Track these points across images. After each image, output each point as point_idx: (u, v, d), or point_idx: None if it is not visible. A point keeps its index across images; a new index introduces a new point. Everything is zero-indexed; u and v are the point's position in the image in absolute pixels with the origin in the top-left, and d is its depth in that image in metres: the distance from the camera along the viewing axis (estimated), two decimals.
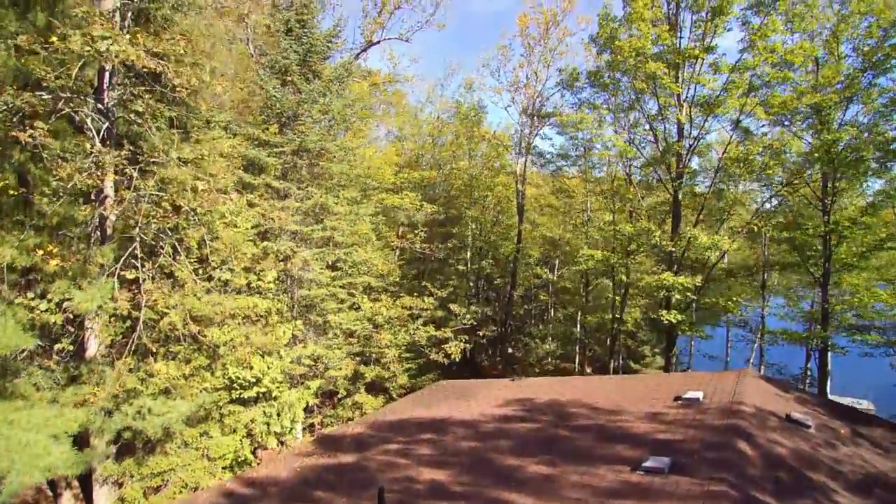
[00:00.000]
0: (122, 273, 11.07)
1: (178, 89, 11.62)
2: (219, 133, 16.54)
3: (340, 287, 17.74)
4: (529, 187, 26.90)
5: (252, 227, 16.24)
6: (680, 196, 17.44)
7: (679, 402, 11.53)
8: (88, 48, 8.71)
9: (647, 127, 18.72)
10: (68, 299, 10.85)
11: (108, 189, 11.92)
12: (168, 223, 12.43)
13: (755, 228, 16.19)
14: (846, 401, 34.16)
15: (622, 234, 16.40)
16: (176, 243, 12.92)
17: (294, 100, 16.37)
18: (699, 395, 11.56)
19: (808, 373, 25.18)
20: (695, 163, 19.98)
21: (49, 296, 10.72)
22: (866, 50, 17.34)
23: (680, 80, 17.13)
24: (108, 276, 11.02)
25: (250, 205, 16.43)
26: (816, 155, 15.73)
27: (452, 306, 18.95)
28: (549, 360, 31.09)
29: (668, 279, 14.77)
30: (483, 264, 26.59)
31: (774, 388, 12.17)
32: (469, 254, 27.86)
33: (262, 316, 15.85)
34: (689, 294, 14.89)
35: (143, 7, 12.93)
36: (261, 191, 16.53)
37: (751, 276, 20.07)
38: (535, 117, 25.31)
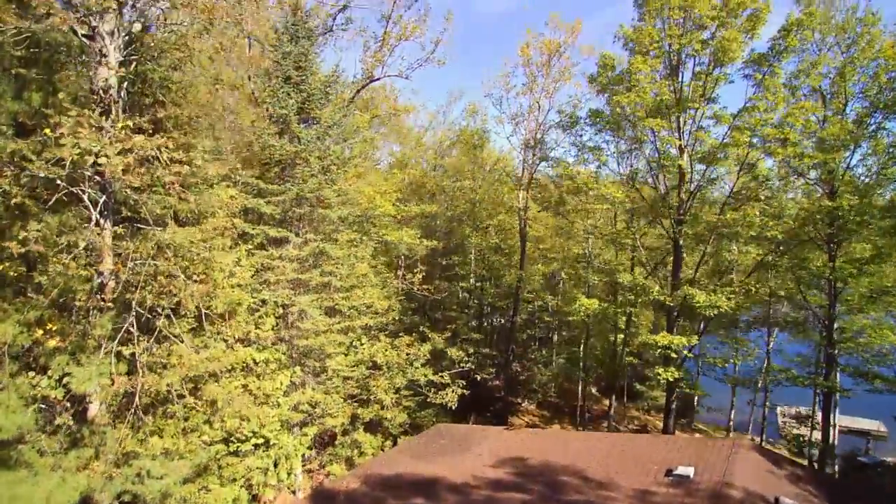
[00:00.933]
0: (120, 349, 11.43)
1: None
2: (217, 186, 16.91)
3: (339, 331, 18.03)
4: (533, 224, 26.82)
5: (251, 277, 16.57)
6: (681, 242, 17.43)
7: (670, 478, 11.65)
8: (78, 153, 9.02)
9: (648, 169, 18.67)
10: (68, 374, 11.26)
11: (107, 259, 12.27)
12: (166, 289, 12.77)
13: (753, 290, 16.14)
14: (858, 423, 33.77)
15: (621, 285, 16.44)
16: (174, 307, 13.26)
17: (292, 149, 16.62)
18: (690, 471, 11.68)
19: (818, 401, 24.94)
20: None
21: (49, 372, 11.12)
22: (874, 92, 17.14)
23: (680, 128, 17.06)
24: (105, 352, 11.38)
25: (249, 253, 16.76)
26: (818, 216, 15.64)
27: (450, 350, 19.16)
28: (552, 385, 31.26)
29: (663, 340, 14.78)
30: (485, 292, 26.76)
31: (768, 462, 12.24)
32: (471, 281, 28.05)
33: (259, 363, 16.23)
34: (687, 353, 14.90)
35: (140, 70, 13.26)
36: (259, 238, 16.84)
37: (751, 327, 20.03)
38: (537, 149, 25.34)
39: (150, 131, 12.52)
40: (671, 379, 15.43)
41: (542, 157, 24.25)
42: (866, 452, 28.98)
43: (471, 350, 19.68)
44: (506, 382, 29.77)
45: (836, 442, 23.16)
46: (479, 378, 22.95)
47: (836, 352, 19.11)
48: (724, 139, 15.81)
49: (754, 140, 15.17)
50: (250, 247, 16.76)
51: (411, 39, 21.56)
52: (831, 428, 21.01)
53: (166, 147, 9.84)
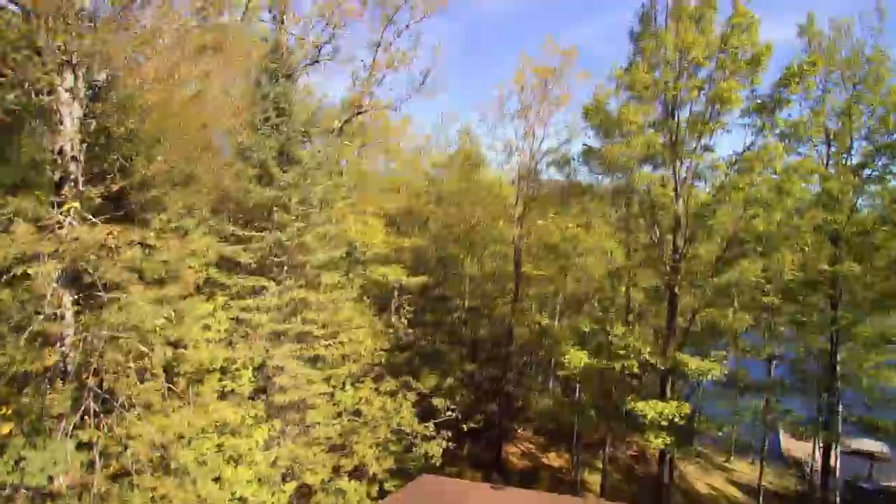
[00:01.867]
0: (77, 432, 10.94)
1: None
2: (193, 232, 16.40)
3: (321, 380, 17.53)
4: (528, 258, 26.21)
5: (224, 330, 16.09)
6: (677, 289, 16.86)
7: None
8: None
9: (642, 214, 18.03)
10: (23, 459, 10.79)
11: (66, 331, 11.78)
12: (130, 358, 12.29)
13: (749, 351, 15.57)
14: (861, 443, 33.06)
15: (613, 335, 15.89)
16: (140, 374, 12.76)
17: (270, 195, 16.09)
18: None
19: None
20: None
21: (5, 457, 10.67)
22: (881, 135, 16.51)
23: (676, 172, 16.45)
24: (63, 433, 10.90)
25: (224, 305, 16.26)
26: (821, 279, 15.05)
27: (435, 401, 18.67)
28: (549, 411, 30.73)
29: (652, 410, 14.14)
30: (479, 324, 26.26)
31: None
32: (464, 311, 27.53)
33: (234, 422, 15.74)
34: (677, 420, 14.39)
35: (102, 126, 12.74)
36: (236, 288, 16.33)
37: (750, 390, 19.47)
38: (531, 179, 24.73)
39: (113, 196, 12.06)
40: (662, 446, 14.87)
41: (536, 189, 23.70)
42: (869, 477, 28.36)
43: (460, 394, 19.15)
44: (500, 412, 29.28)
45: (838, 464, 22.55)
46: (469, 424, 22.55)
47: (837, 400, 18.54)
48: (716, 197, 15.17)
49: (751, 190, 14.58)
50: (226, 298, 16.25)
51: (400, 69, 21.00)
52: (833, 458, 20.32)
53: (115, 235, 9.25)
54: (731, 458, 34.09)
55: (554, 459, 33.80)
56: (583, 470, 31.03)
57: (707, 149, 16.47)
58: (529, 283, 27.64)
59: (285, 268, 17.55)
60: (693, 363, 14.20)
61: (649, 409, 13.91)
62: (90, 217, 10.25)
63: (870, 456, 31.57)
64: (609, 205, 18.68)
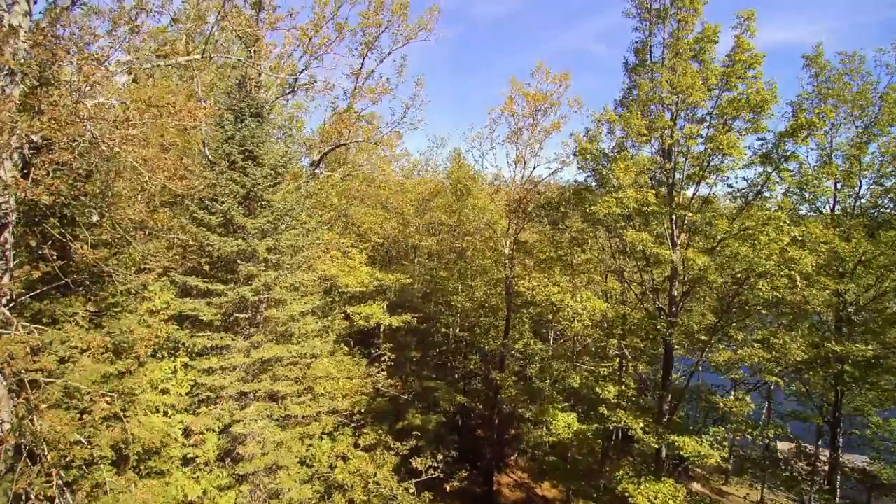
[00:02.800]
0: None
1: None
2: (153, 287, 15.39)
3: (293, 438, 16.54)
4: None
5: (186, 394, 15.12)
6: (672, 342, 15.80)
7: None
8: None
9: (637, 267, 16.90)
10: None
11: (3, 412, 10.80)
12: (72, 441, 11.31)
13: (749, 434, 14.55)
14: (859, 459, 31.99)
15: (604, 396, 14.85)
16: (86, 457, 11.78)
17: (233, 248, 15.04)
18: None
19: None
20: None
21: None
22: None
23: (673, 219, 15.34)
24: None
25: (184, 366, 15.28)
26: (828, 358, 13.99)
27: (415, 461, 17.64)
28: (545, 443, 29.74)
29: (642, 498, 12.96)
30: (469, 358, 25.27)
31: None
32: (454, 337, 26.49)
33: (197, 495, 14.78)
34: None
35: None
36: (199, 346, 15.30)
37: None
38: (520, 212, 23.63)
39: (58, 267, 11.05)
40: None
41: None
42: (868, 501, 27.56)
43: (441, 450, 18.14)
44: (493, 443, 28.33)
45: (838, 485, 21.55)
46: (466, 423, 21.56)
47: (840, 456, 17.55)
48: (715, 261, 14.03)
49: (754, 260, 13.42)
50: (186, 360, 15.25)
51: (383, 98, 19.90)
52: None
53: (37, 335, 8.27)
54: (730, 479, 33.36)
55: (548, 490, 32.87)
56: (576, 501, 30.10)
57: (706, 202, 15.36)
58: (522, 311, 26.67)
59: (254, 323, 16.55)
60: (689, 444, 13.09)
61: (640, 496, 12.78)
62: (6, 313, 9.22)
63: (872, 478, 30.65)
64: (601, 251, 17.55)
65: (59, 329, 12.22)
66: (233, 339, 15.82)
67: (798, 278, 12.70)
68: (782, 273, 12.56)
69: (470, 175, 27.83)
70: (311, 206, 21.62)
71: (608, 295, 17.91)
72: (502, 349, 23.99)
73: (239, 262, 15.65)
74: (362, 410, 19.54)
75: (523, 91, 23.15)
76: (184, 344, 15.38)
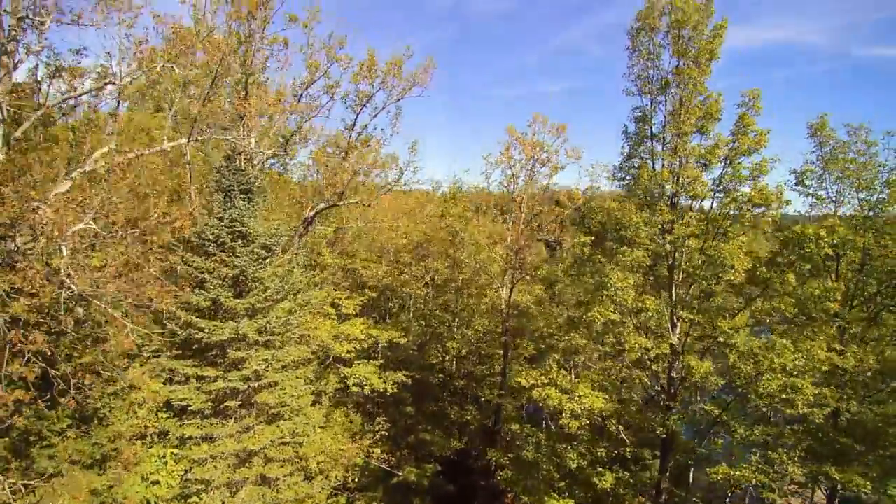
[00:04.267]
0: None
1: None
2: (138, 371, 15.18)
3: None
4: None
5: (176, 485, 14.96)
6: (670, 429, 15.62)
7: None
8: None
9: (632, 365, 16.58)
10: None
11: None
12: None
13: None
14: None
15: (601, 487, 14.65)
16: None
17: (223, 335, 14.82)
18: None
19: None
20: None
21: None
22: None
23: (673, 299, 15.12)
24: None
25: (173, 455, 15.11)
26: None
27: None
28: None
29: None
30: (466, 409, 25.14)
31: None
32: (449, 394, 26.35)
33: None
34: None
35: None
36: (189, 432, 15.12)
37: None
38: (516, 261, 23.42)
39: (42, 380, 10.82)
40: None
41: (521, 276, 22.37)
42: None
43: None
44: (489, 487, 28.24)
45: None
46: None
47: None
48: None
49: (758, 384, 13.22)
50: (175, 451, 15.07)
51: (370, 164, 19.58)
52: None
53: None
54: None
55: None
56: None
57: (709, 294, 15.07)
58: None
59: (246, 404, 16.35)
60: None
61: None
62: None
63: None
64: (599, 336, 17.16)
65: (47, 444, 12.07)
66: (223, 426, 15.64)
67: (800, 402, 12.55)
68: (783, 396, 12.43)
69: (467, 213, 27.56)
70: (303, 266, 21.34)
71: (607, 372, 17.68)
72: (499, 399, 23.89)
73: (229, 349, 15.42)
74: (356, 480, 19.44)
75: (520, 140, 22.86)
76: (173, 433, 15.18)
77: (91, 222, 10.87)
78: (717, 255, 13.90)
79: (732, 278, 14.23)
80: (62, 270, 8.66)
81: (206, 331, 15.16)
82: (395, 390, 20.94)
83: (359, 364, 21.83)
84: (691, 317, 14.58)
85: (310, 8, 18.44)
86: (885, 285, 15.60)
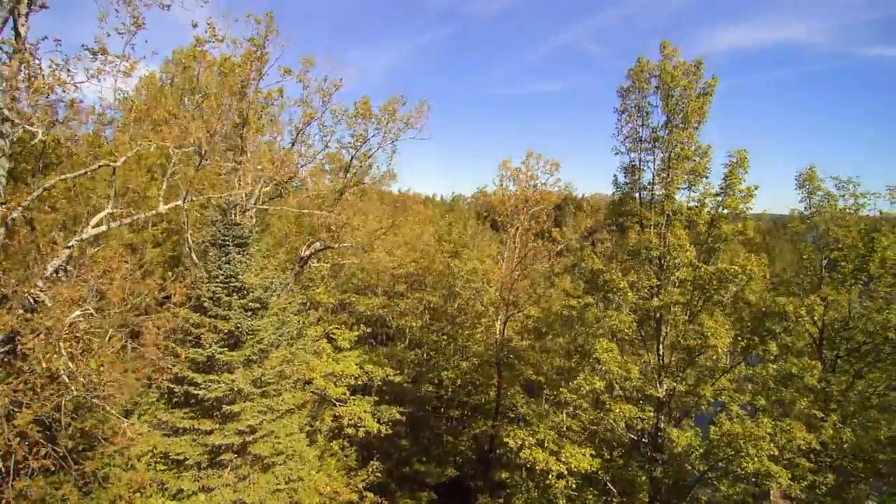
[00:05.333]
0: None
1: None
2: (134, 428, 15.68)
3: None
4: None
5: None
6: (657, 475, 16.11)
7: None
8: None
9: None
10: None
11: None
12: None
13: None
14: None
15: None
16: None
17: (219, 392, 15.31)
18: None
19: None
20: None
21: None
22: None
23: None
24: None
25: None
26: None
27: None
28: None
29: None
30: (460, 441, 25.71)
31: None
32: (444, 424, 26.90)
33: None
34: None
35: None
36: (186, 486, 15.65)
37: None
38: (510, 299, 23.86)
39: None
40: None
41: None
42: None
43: None
44: None
45: None
46: None
47: None
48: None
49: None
50: (172, 502, 15.60)
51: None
52: None
53: None
54: None
55: None
56: None
57: (690, 391, 15.37)
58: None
59: (242, 454, 16.87)
60: None
61: None
62: None
63: None
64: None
65: None
66: (219, 476, 16.17)
67: (776, 484, 13.00)
68: (763, 471, 12.85)
69: (462, 241, 28.03)
70: (299, 306, 21.79)
71: (594, 423, 18.08)
72: (492, 430, 24.42)
73: (224, 404, 15.90)
74: None
75: (514, 176, 23.27)
76: (171, 486, 15.70)
77: (89, 307, 11.35)
78: (699, 330, 14.32)
79: (713, 354, 14.67)
80: (62, 373, 9.11)
81: (203, 385, 15.68)
82: (390, 431, 21.47)
83: (354, 400, 22.35)
84: (675, 384, 15.01)
85: (304, 59, 18.79)
86: (866, 343, 16.00)
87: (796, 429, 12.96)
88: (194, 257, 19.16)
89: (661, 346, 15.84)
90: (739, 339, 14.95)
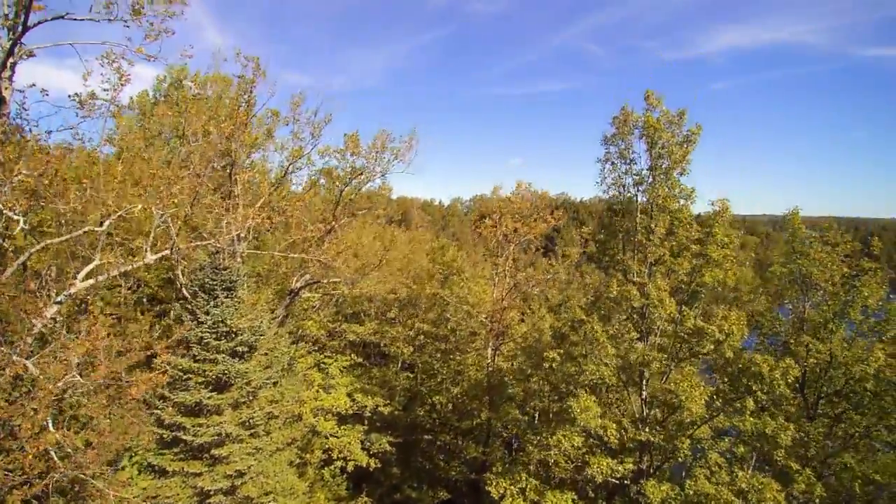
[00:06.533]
0: None
1: None
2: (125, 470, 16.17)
3: None
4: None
5: None
6: None
7: None
8: None
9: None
10: None
11: None
12: None
13: None
14: None
15: None
16: None
17: (207, 437, 15.77)
18: None
19: None
20: None
21: None
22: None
23: (644, 405, 15.97)
24: None
25: None
26: None
27: None
28: None
29: None
30: (450, 465, 26.18)
31: None
32: (435, 451, 27.37)
33: None
34: None
35: None
36: None
37: None
38: (502, 336, 24.30)
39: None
40: None
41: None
42: None
43: None
44: None
45: None
46: None
47: None
48: None
49: None
50: None
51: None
52: None
53: None
54: None
55: None
56: None
57: (668, 440, 15.66)
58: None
59: (231, 494, 17.35)
60: None
61: None
62: None
63: None
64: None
65: None
66: None
67: None
68: None
69: (455, 264, 28.39)
70: (290, 334, 22.22)
71: (580, 471, 18.36)
72: (485, 452, 24.95)
73: (213, 447, 16.35)
74: None
75: (502, 209, 23.74)
76: None
77: (75, 374, 11.78)
78: (675, 390, 14.71)
79: (687, 417, 15.07)
80: (51, 452, 9.55)
81: (191, 431, 16.16)
82: (379, 464, 21.99)
83: (344, 430, 22.84)
84: (652, 438, 15.44)
85: (294, 99, 19.16)
86: (847, 385, 16.39)
87: (768, 489, 13.37)
88: (185, 292, 19.60)
89: (642, 398, 16.19)
90: (716, 398, 15.34)
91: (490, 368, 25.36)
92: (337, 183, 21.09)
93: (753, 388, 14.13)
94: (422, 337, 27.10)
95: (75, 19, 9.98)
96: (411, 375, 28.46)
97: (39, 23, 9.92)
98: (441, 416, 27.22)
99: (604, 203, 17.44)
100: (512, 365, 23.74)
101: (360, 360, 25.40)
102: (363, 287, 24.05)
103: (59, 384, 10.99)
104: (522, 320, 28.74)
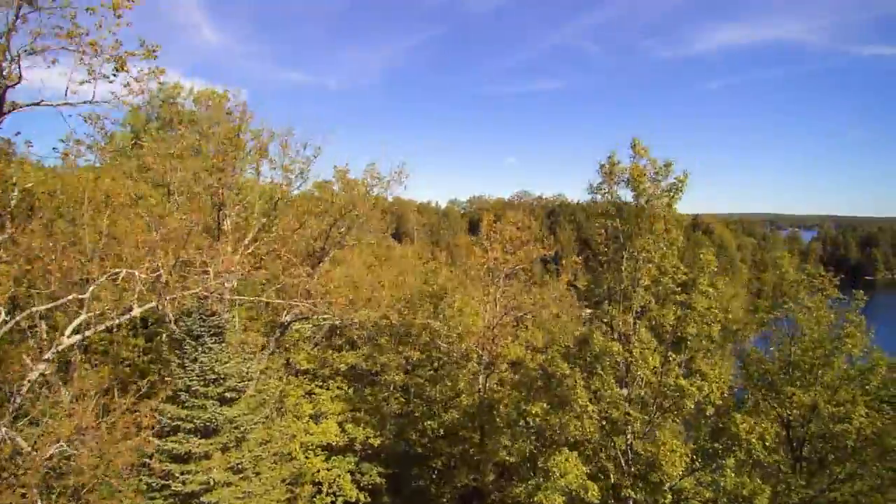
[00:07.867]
0: None
1: None
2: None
3: None
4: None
5: None
6: None
7: None
8: None
9: None
10: None
11: None
12: None
13: None
14: None
15: None
16: None
17: (194, 476, 16.19)
18: None
19: None
20: None
21: None
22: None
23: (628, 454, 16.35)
24: None
25: None
26: None
27: None
28: None
29: None
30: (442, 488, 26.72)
31: None
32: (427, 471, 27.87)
33: None
34: None
35: None
36: None
37: None
38: (492, 365, 24.68)
39: None
40: None
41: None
42: None
43: None
44: None
45: None
46: None
47: None
48: None
49: None
50: None
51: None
52: None
53: None
54: None
55: None
56: None
57: (650, 494, 16.03)
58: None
59: None
60: None
61: None
62: None
63: None
64: None
65: None
66: None
67: None
68: None
69: (447, 286, 28.71)
70: (279, 369, 22.59)
71: None
72: (474, 483, 25.43)
73: (202, 496, 16.78)
74: None
75: (490, 235, 24.09)
76: None
77: (63, 445, 12.15)
78: (655, 452, 15.09)
79: (667, 480, 15.45)
80: None
81: (180, 478, 16.58)
82: (369, 499, 22.44)
83: (335, 461, 23.27)
84: (634, 495, 15.85)
85: (283, 133, 19.37)
86: (828, 434, 16.77)
87: None
88: (177, 331, 19.94)
89: (625, 449, 16.57)
90: (696, 458, 15.72)
91: (481, 394, 25.77)
92: (327, 217, 21.34)
93: (733, 447, 14.52)
94: (414, 360, 27.53)
95: (51, 105, 10.14)
96: (404, 400, 28.88)
97: (12, 110, 10.08)
98: (433, 442, 27.66)
99: (588, 252, 17.76)
100: (502, 395, 24.20)
101: (351, 390, 25.80)
102: (354, 318, 24.38)
103: (49, 452, 11.38)
104: (516, 337, 29.05)
